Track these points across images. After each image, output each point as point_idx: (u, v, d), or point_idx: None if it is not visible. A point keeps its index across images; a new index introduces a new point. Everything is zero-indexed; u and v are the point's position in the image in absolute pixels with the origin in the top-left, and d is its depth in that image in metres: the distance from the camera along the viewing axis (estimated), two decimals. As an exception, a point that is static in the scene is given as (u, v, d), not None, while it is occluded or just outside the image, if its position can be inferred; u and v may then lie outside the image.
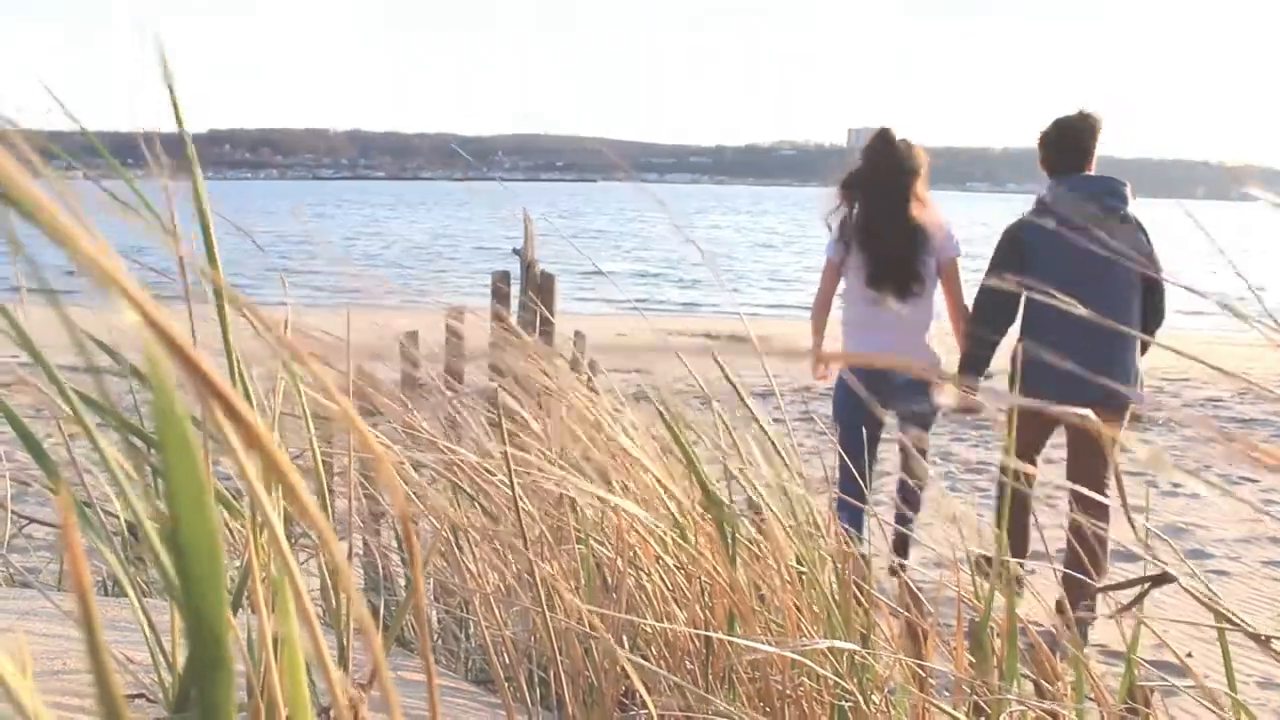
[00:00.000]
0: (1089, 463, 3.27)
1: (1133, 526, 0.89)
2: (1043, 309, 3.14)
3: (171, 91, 0.50)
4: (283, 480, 0.21)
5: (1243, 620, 0.80)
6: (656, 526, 1.27)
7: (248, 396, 0.58)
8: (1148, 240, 3.24)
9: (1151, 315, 3.34)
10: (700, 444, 1.41)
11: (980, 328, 3.37)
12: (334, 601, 0.78)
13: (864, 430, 3.41)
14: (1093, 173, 3.35)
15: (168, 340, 0.22)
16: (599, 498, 1.18)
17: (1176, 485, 6.77)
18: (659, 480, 1.30)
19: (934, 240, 3.57)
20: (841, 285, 3.75)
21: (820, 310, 3.78)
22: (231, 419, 0.22)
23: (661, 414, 1.27)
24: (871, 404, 3.33)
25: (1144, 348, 3.41)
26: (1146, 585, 0.79)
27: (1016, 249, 3.31)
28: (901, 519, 3.36)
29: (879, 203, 3.57)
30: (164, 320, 0.22)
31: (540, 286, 3.86)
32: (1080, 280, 2.52)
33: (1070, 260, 2.96)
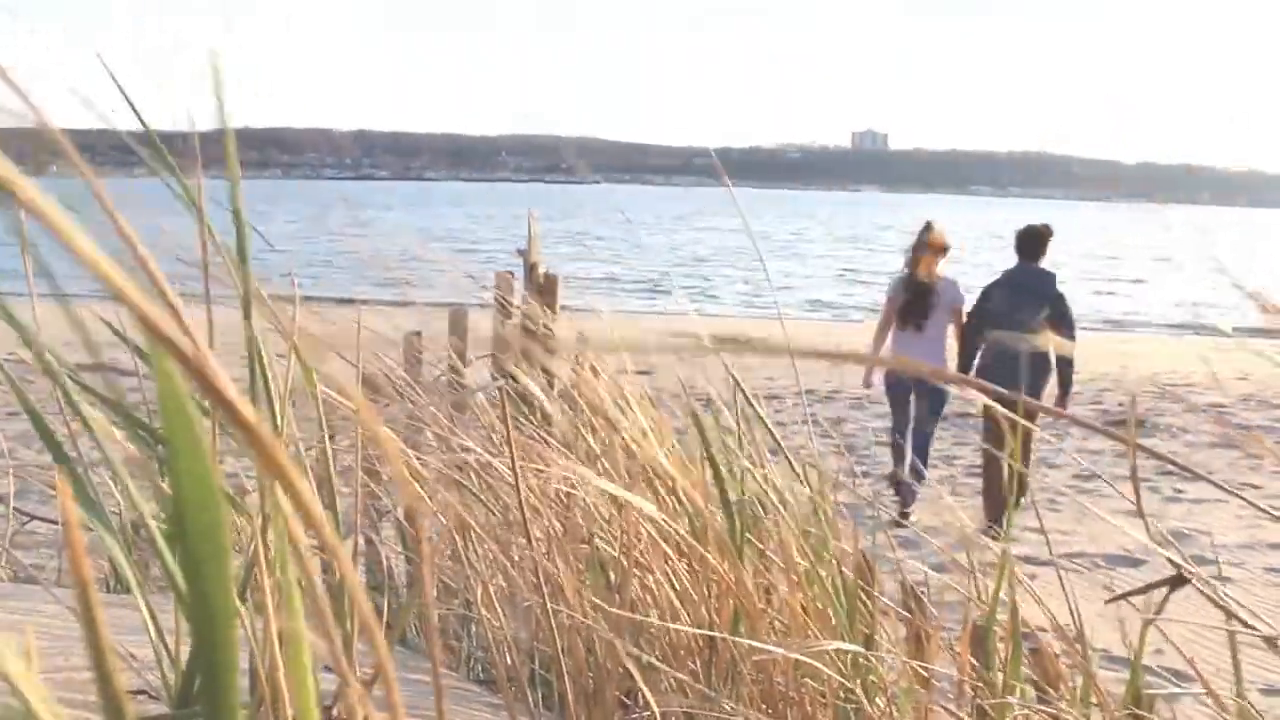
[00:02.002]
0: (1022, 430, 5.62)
1: (1147, 530, 0.88)
2: (996, 316, 5.51)
3: (217, 89, 0.50)
4: (283, 480, 0.21)
5: (1250, 623, 0.79)
6: (665, 524, 1.26)
7: (269, 393, 0.57)
8: (1065, 303, 5.53)
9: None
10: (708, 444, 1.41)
11: (966, 345, 5.76)
12: (339, 595, 0.77)
13: (899, 400, 5.98)
14: (1042, 263, 5.66)
15: (162, 337, 0.21)
16: (611, 495, 1.18)
17: (1179, 490, 6.75)
18: (669, 476, 1.30)
19: (944, 294, 5.76)
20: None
21: (880, 331, 5.98)
22: (232, 417, 0.21)
23: (695, 414, 1.27)
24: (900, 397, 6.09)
25: (1063, 371, 5.64)
26: (1166, 590, 0.79)
27: (985, 303, 5.69)
28: (918, 452, 5.93)
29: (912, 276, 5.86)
30: (161, 318, 0.22)
31: (543, 287, 3.85)
32: (1015, 319, 5.21)
33: (1011, 309, 5.40)
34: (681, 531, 1.26)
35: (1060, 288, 5.58)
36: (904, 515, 5.52)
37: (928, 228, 5.84)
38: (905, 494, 5.69)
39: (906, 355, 5.64)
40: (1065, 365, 5.58)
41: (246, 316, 0.55)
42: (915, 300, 5.80)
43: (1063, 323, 5.45)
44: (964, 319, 5.77)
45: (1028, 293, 5.47)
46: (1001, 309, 5.49)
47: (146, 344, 0.23)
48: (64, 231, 0.20)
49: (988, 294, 5.70)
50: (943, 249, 5.84)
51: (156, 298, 0.22)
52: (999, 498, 5.42)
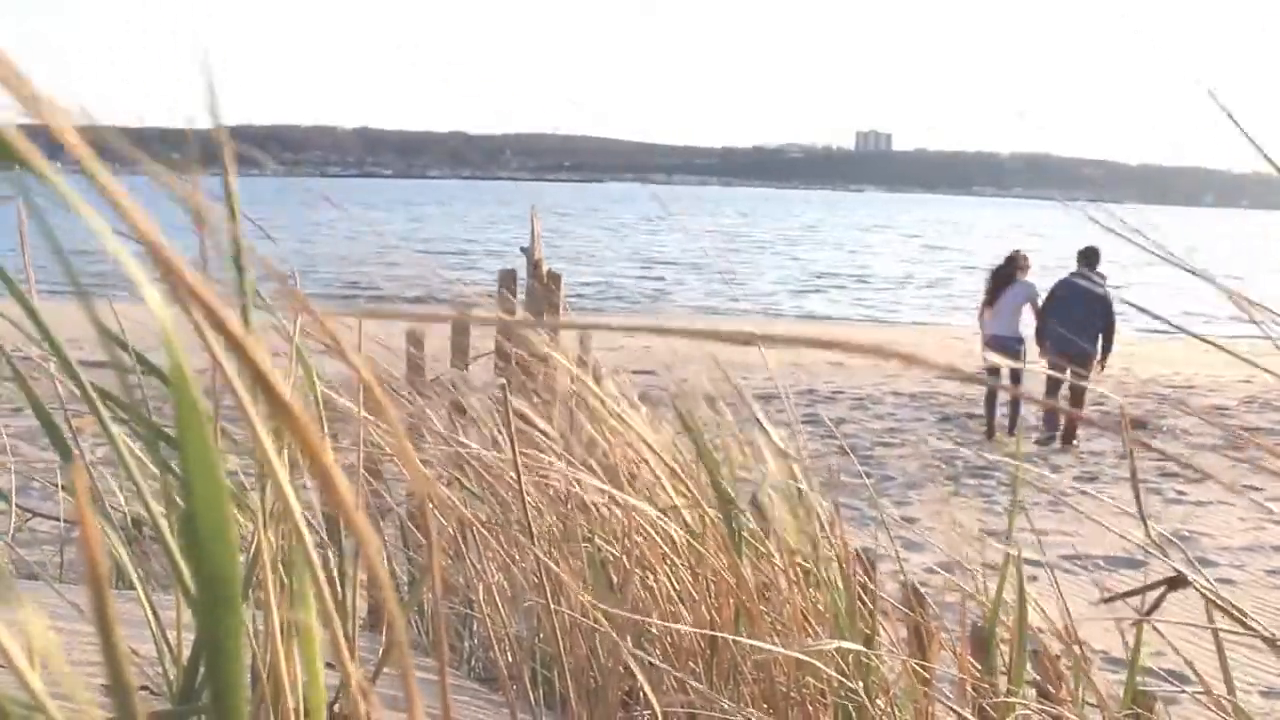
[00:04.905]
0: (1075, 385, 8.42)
1: (1146, 530, 0.88)
2: (1059, 316, 8.41)
3: (209, 86, 0.50)
4: (318, 461, 0.21)
5: (1253, 624, 0.80)
6: (664, 524, 1.26)
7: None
8: (1109, 295, 8.53)
9: (1106, 328, 8.56)
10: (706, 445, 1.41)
11: (1043, 320, 8.67)
12: (340, 593, 0.78)
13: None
14: (1096, 268, 8.83)
15: (219, 325, 0.22)
16: (609, 496, 1.18)
17: (1181, 493, 6.75)
18: (668, 477, 1.30)
19: (1019, 290, 8.85)
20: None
21: (983, 309, 9.11)
22: (273, 402, 0.21)
23: (680, 413, 1.27)
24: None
25: (1105, 341, 8.61)
26: (1162, 589, 0.79)
27: (1053, 294, 8.70)
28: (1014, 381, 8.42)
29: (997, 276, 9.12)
30: (219, 307, 0.22)
31: (546, 286, 3.85)
32: (1075, 308, 8.53)
33: (1072, 301, 8.47)
34: (676, 533, 1.26)
35: (1107, 286, 8.65)
36: (990, 434, 8.97)
37: (1014, 255, 9.11)
38: (1000, 421, 9.06)
39: (991, 325, 8.83)
40: (1108, 333, 8.54)
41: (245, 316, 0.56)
42: (995, 293, 8.96)
43: (1107, 308, 8.52)
44: (1040, 304, 8.75)
45: (1086, 288, 8.45)
46: (1070, 297, 8.53)
47: (167, 335, 0.23)
48: (132, 217, 0.20)
49: (1060, 286, 8.71)
50: (1025, 267, 8.98)
51: (182, 287, 0.22)
52: (1055, 418, 8.71)
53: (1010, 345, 8.71)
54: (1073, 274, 8.82)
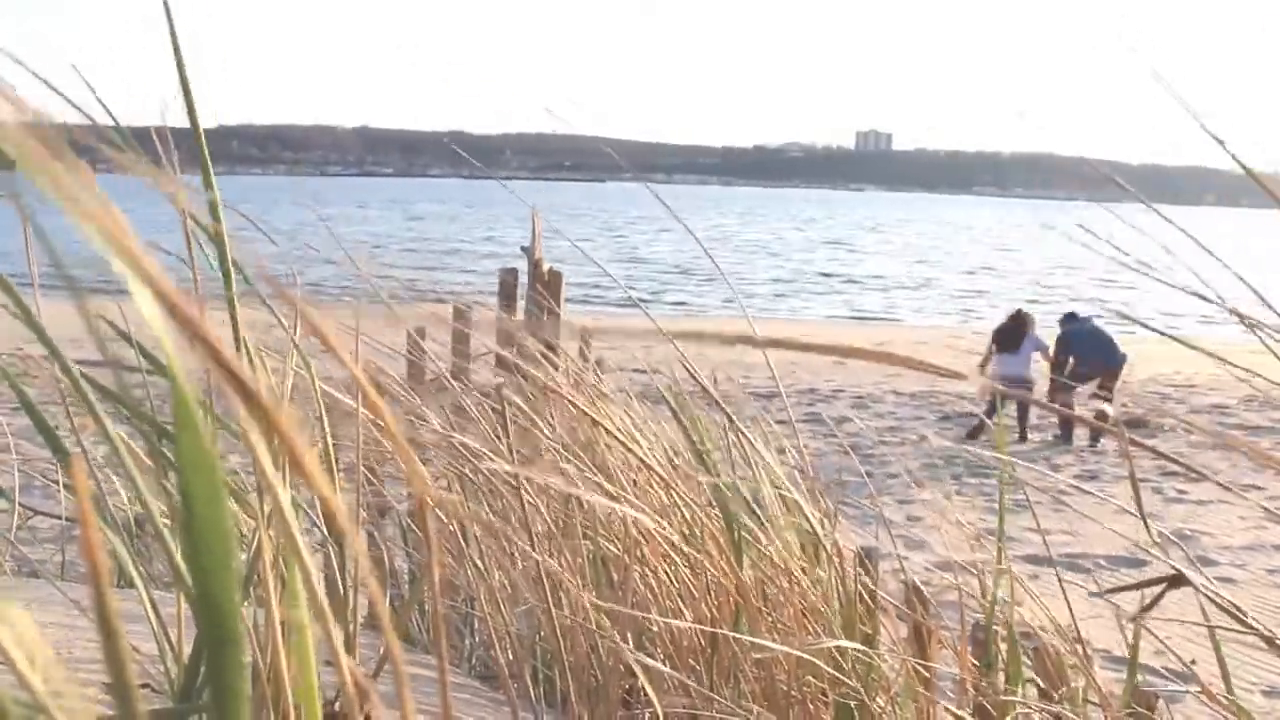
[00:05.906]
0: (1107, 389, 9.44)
1: (1147, 529, 0.88)
2: (1079, 349, 9.73)
3: (185, 86, 0.50)
4: (294, 457, 0.21)
5: (1254, 623, 0.80)
6: (663, 526, 1.26)
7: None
8: (1105, 333, 10.06)
9: (1113, 349, 9.86)
10: (706, 444, 1.41)
11: (1057, 359, 9.84)
12: (340, 591, 0.78)
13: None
14: (1084, 311, 10.49)
15: (187, 323, 0.22)
16: (606, 500, 1.18)
17: (1182, 491, 6.75)
18: (666, 479, 1.30)
19: (1028, 339, 9.93)
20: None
21: (987, 354, 10.08)
22: (244, 398, 0.22)
23: (674, 411, 1.27)
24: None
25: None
26: (1163, 587, 0.79)
27: (1063, 338, 9.90)
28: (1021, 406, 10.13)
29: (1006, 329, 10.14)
30: (182, 304, 0.22)
31: (547, 284, 3.86)
32: (1085, 341, 10.07)
33: (1079, 337, 9.99)
34: (675, 537, 1.26)
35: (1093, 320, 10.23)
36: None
37: (1018, 313, 10.24)
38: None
39: (1005, 367, 9.69)
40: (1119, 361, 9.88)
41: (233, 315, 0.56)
42: (1008, 339, 9.96)
43: (1113, 343, 9.84)
44: (1053, 347, 9.90)
45: (1086, 325, 9.88)
46: (1077, 334, 9.86)
47: (159, 333, 0.23)
48: (97, 218, 0.20)
49: (1064, 329, 9.97)
50: (1030, 323, 10.01)
51: (156, 287, 0.22)
52: (1069, 424, 9.76)
53: (1027, 383, 9.79)
54: (1066, 320, 10.29)
